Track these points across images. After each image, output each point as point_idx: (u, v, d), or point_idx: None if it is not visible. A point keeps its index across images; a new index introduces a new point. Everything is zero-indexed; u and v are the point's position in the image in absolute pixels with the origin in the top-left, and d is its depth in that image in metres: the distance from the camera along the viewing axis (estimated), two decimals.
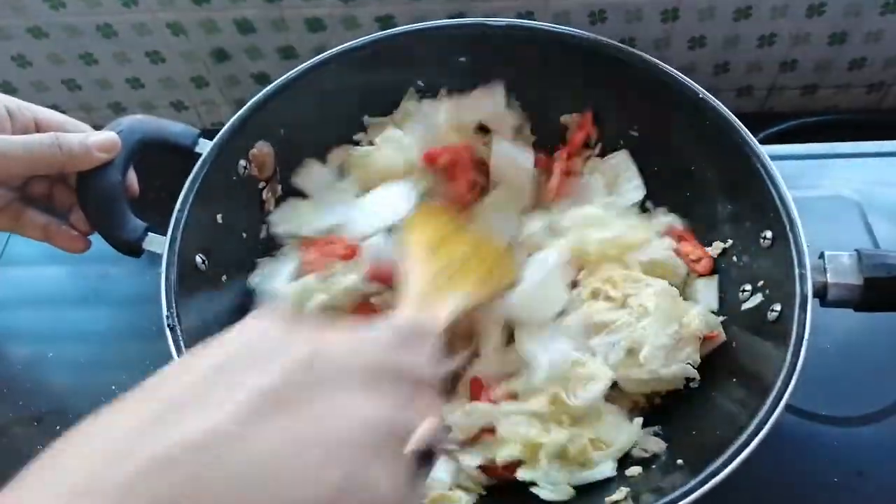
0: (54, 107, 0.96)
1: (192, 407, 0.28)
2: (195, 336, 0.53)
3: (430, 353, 0.37)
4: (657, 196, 0.69)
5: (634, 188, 0.69)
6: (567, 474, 0.54)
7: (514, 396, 0.59)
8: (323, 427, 0.29)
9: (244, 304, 0.62)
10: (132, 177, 0.60)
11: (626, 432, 0.56)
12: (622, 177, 0.70)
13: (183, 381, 0.29)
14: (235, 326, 0.33)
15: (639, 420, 0.57)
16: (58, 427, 0.70)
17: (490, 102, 0.70)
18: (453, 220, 0.65)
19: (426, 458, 0.33)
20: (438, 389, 0.36)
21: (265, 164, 0.65)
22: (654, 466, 0.55)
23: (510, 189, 0.69)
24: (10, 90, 0.96)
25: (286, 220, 0.68)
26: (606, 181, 0.70)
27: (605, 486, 0.54)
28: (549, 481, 0.54)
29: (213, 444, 0.27)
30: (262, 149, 0.65)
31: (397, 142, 0.69)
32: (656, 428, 0.58)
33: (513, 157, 0.69)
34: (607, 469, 0.54)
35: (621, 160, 0.70)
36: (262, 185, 0.67)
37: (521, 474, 0.55)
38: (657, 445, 0.56)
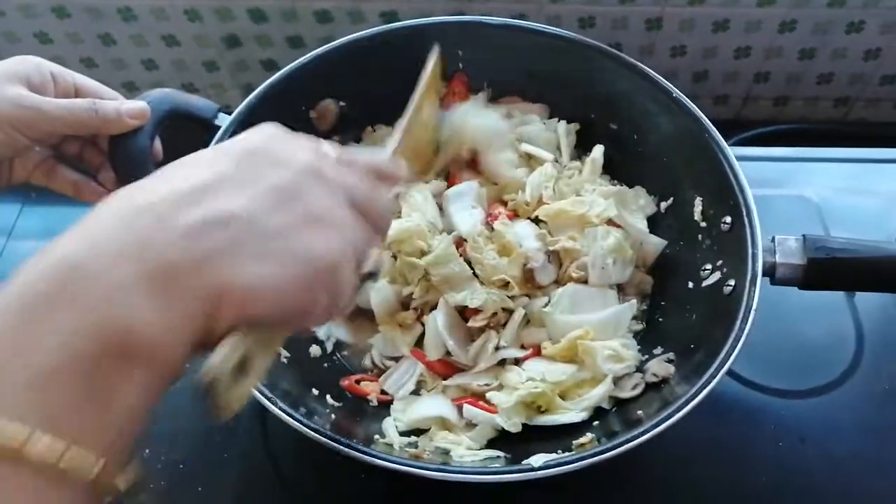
0: None
1: (221, 192, 0.35)
2: None
3: (387, 195, 0.45)
4: (629, 183, 0.76)
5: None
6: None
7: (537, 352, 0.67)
8: (319, 219, 0.37)
9: None
10: (157, 143, 0.65)
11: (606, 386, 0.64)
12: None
13: (214, 168, 0.36)
14: (252, 130, 0.41)
15: (608, 381, 0.64)
16: None
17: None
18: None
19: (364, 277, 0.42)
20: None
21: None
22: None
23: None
24: None
25: None
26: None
27: (573, 430, 0.60)
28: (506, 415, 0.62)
29: (236, 222, 0.34)
30: None
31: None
32: (670, 355, 0.64)
33: None
34: (575, 417, 0.62)
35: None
36: None
37: (490, 395, 0.63)
38: (665, 370, 0.63)
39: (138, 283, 0.31)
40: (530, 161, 0.77)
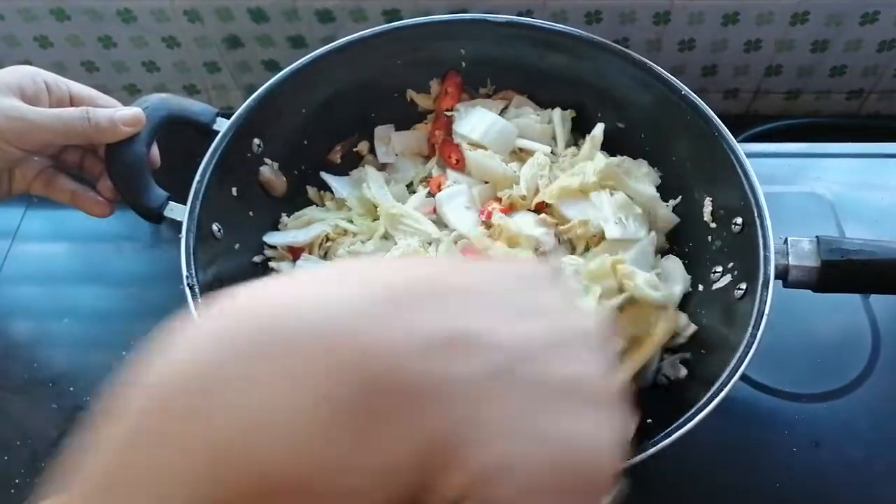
0: None
1: (477, 305, 0.26)
2: (209, 293, 0.58)
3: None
4: None
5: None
6: None
7: None
8: (592, 396, 0.26)
9: (255, 271, 0.66)
10: (155, 150, 0.64)
11: None
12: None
13: (470, 273, 0.28)
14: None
15: None
16: (70, 388, 0.74)
17: None
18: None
19: None
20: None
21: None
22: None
23: None
24: None
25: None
26: None
27: None
28: None
29: (495, 352, 0.24)
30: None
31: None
32: (686, 354, 0.63)
33: None
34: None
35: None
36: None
37: None
38: (678, 371, 0.61)
39: (318, 405, 0.22)
40: (521, 154, 0.75)
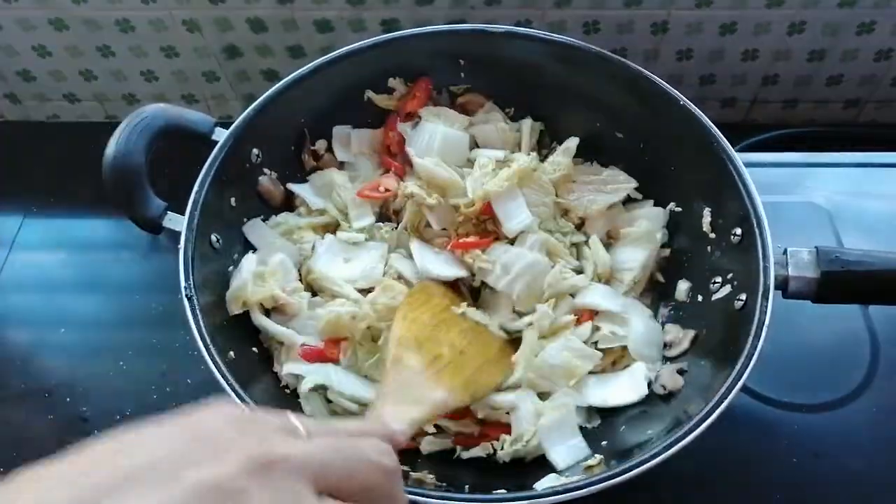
0: (71, 95, 1.00)
1: (132, 491, 0.29)
2: (208, 305, 0.58)
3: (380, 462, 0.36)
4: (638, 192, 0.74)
5: None
6: None
7: None
8: None
9: None
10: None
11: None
12: None
13: (136, 456, 0.30)
14: (203, 407, 0.34)
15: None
16: (67, 399, 0.74)
17: None
18: (448, 304, 0.65)
19: None
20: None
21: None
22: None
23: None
24: (29, 78, 1.00)
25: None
26: None
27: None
28: None
29: None
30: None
31: None
32: (683, 365, 0.62)
33: None
34: None
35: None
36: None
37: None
38: (675, 383, 0.61)
39: None
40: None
